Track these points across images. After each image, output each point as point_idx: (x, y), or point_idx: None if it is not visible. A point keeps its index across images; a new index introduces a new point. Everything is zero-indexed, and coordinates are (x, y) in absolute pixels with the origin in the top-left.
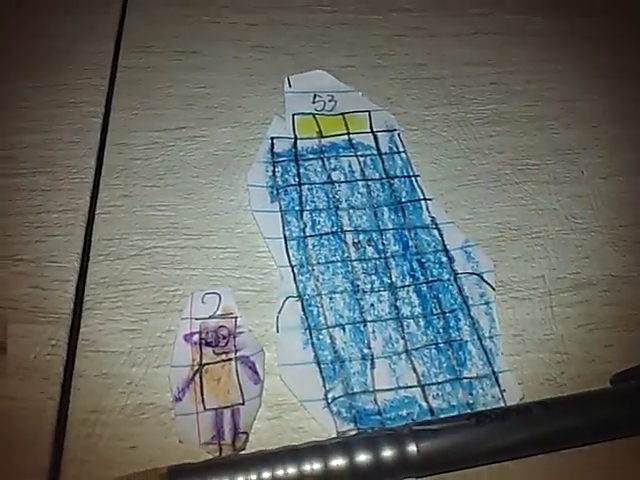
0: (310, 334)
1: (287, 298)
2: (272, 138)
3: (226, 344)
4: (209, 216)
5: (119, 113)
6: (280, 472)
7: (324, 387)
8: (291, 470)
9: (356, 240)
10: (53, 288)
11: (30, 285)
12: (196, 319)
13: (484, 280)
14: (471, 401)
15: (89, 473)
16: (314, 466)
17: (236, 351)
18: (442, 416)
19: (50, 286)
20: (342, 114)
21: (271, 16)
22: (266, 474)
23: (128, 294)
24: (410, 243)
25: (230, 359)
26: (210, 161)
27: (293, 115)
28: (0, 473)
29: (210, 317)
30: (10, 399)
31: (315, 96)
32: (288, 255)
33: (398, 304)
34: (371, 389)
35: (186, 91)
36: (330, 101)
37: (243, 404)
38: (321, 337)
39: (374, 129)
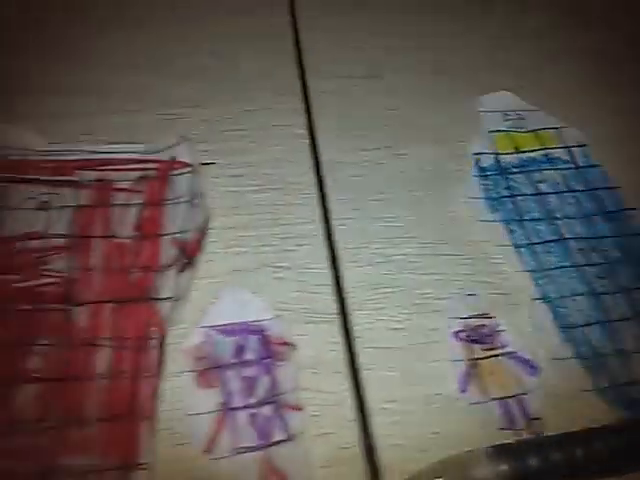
0: (564, 333)
1: (533, 300)
2: (476, 154)
3: (491, 341)
4: (435, 226)
5: (323, 134)
6: (590, 449)
7: (592, 379)
8: (598, 447)
9: (579, 247)
10: (316, 292)
11: (295, 290)
12: (460, 318)
13: None
14: None
15: (405, 456)
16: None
17: (502, 347)
18: None
19: (313, 290)
20: (533, 131)
21: (441, 40)
22: (579, 451)
23: (386, 296)
24: (629, 250)
25: (498, 355)
26: (421, 176)
27: (490, 132)
28: (312, 461)
29: (471, 317)
30: (311, 390)
31: (505, 114)
32: (521, 261)
33: (635, 305)
34: (635, 380)
35: (379, 112)
36: (519, 119)
37: (526, 394)
38: (575, 335)
39: (567, 144)
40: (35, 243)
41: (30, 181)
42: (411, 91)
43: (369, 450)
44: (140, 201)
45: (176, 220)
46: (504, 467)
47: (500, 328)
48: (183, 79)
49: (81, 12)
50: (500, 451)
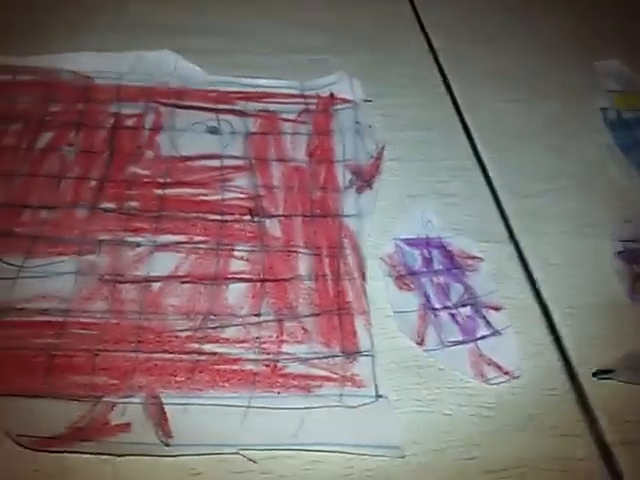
0: None
1: None
2: (601, 109)
3: None
4: (579, 166)
5: (456, 84)
6: None
7: None
8: None
9: None
10: (484, 216)
11: (465, 214)
12: (620, 241)
13: None
14: None
15: (593, 351)
16: None
17: None
18: None
19: (481, 215)
20: None
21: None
22: None
23: (547, 223)
24: None
25: None
26: (555, 124)
27: (609, 92)
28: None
29: (628, 240)
30: (501, 296)
31: (617, 78)
32: None
33: None
34: None
35: (501, 71)
36: (628, 82)
37: None
38: None
39: None
40: (214, 162)
41: (194, 108)
42: (530, 55)
43: (560, 346)
44: (307, 131)
45: (346, 148)
46: None
47: None
48: (315, 30)
49: None
50: None
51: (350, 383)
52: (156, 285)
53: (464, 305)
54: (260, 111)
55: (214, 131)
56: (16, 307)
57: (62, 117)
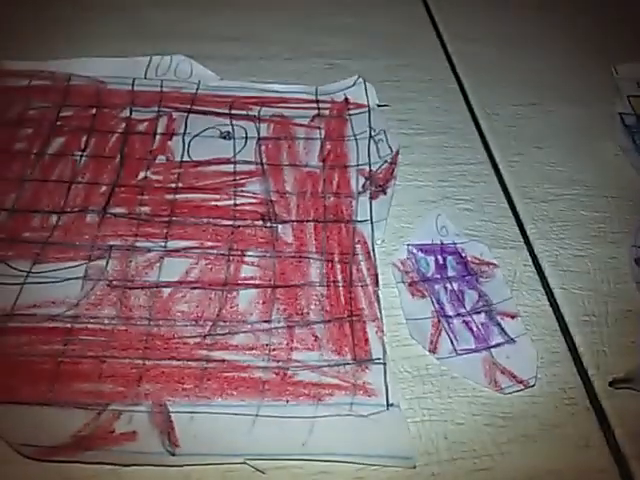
0: None
1: None
2: (620, 114)
3: None
4: (596, 172)
5: (472, 89)
6: None
7: None
8: None
9: None
10: (499, 222)
11: (480, 219)
12: (637, 247)
13: None
14: None
15: (609, 360)
16: None
17: None
18: None
19: (496, 220)
20: None
21: (567, 18)
22: None
23: (565, 228)
24: None
25: None
26: (571, 130)
27: (628, 96)
28: (533, 360)
29: None
30: (516, 304)
31: (638, 83)
32: None
33: None
34: None
35: (517, 74)
36: None
37: None
38: None
39: None
40: (227, 167)
41: (208, 113)
42: (546, 58)
43: (576, 355)
44: (320, 136)
45: (360, 153)
46: None
47: None
48: (330, 35)
49: None
50: None
51: (361, 392)
52: (166, 291)
53: (478, 312)
54: (273, 116)
55: (227, 136)
56: (23, 313)
57: (74, 122)
